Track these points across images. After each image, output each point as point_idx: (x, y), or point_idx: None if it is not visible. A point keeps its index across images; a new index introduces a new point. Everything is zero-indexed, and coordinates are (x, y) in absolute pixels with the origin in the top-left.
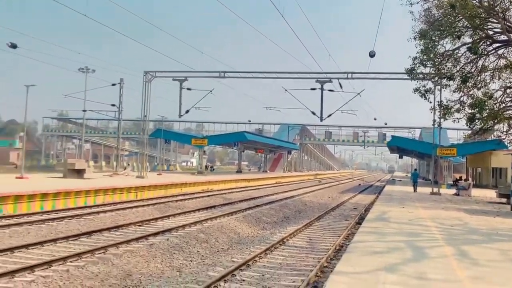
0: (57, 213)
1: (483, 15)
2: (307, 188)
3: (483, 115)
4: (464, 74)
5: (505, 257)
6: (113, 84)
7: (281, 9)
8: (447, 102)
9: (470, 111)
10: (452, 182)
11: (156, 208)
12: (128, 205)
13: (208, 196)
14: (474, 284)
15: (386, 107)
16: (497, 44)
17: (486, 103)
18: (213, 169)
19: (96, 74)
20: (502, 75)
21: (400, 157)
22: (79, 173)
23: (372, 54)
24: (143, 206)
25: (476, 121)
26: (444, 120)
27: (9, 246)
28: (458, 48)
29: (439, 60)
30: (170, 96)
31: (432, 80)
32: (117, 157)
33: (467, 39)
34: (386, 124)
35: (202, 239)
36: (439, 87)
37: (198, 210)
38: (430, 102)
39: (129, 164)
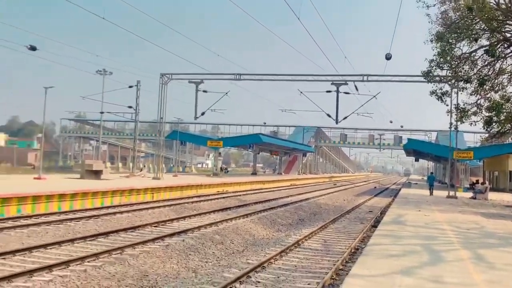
0: (74, 214)
1: (501, 18)
2: (322, 191)
3: (501, 118)
4: (481, 77)
5: None
6: (130, 86)
7: (296, 11)
8: (464, 105)
9: (487, 114)
10: (468, 186)
11: (172, 209)
12: (144, 206)
13: (223, 198)
14: None
15: (402, 110)
16: None
17: (504, 106)
18: (227, 171)
19: (113, 76)
20: None
21: (416, 160)
22: (96, 174)
23: (388, 57)
24: (159, 207)
25: (493, 124)
26: (460, 123)
27: (28, 246)
28: (475, 50)
29: (456, 62)
30: (186, 98)
31: (449, 82)
32: (133, 159)
33: (484, 41)
34: (402, 127)
35: (217, 241)
36: (455, 89)
37: (214, 211)
38: (447, 105)
39: (145, 166)
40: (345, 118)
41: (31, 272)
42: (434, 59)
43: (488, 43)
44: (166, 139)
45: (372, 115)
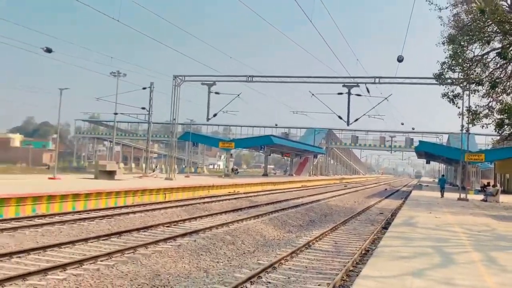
0: (88, 213)
1: None
2: (332, 192)
3: None
4: (493, 80)
5: None
6: (144, 88)
7: (309, 14)
8: (475, 107)
9: (499, 116)
10: (480, 188)
11: (184, 209)
12: (156, 206)
13: (235, 198)
14: None
15: (414, 112)
16: None
17: None
18: (238, 172)
19: (127, 78)
20: None
21: (428, 162)
22: (110, 174)
23: (400, 59)
24: (171, 207)
25: (505, 126)
26: (472, 126)
27: (42, 245)
28: (487, 53)
29: (468, 65)
30: (199, 100)
31: (461, 85)
32: (146, 159)
33: (496, 44)
34: (413, 129)
35: (228, 241)
36: (467, 92)
37: (225, 212)
38: (459, 107)
39: (157, 166)
40: (357, 120)
41: (45, 270)
42: (446, 61)
43: (500, 45)
44: (179, 140)
45: (383, 117)
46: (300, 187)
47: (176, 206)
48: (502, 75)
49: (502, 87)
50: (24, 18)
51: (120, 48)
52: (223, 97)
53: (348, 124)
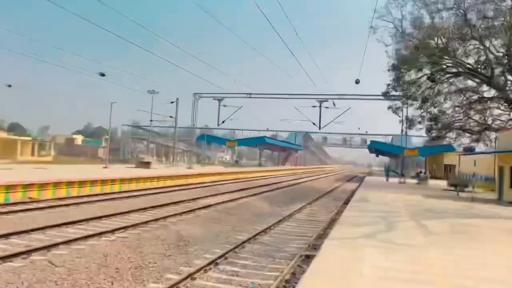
0: (131, 192)
1: (439, 54)
2: (308, 178)
3: (438, 126)
4: (424, 96)
5: (453, 229)
6: (171, 102)
7: (292, 49)
8: (411, 116)
9: (428, 123)
10: (414, 174)
11: (201, 190)
12: (180, 188)
13: (237, 182)
14: (429, 247)
15: (367, 119)
16: (449, 75)
17: (440, 118)
18: (238, 162)
19: (159, 95)
20: (452, 98)
21: (377, 156)
22: (146, 164)
23: (357, 82)
24: (190, 188)
25: (433, 130)
26: (409, 130)
27: (98, 215)
28: (420, 77)
29: (406, 86)
30: (212, 110)
31: (401, 100)
32: (173, 154)
33: (426, 71)
34: (366, 132)
35: (233, 213)
36: (406, 105)
37: (230, 192)
38: (399, 117)
39: (180, 159)
40: (326, 125)
41: (100, 233)
42: (391, 83)
43: (429, 72)
44: (197, 140)
45: (345, 123)
46: (285, 174)
47: (195, 188)
48: (431, 93)
49: (431, 102)
50: (88, 50)
51: (154, 72)
52: (230, 109)
53: (319, 128)
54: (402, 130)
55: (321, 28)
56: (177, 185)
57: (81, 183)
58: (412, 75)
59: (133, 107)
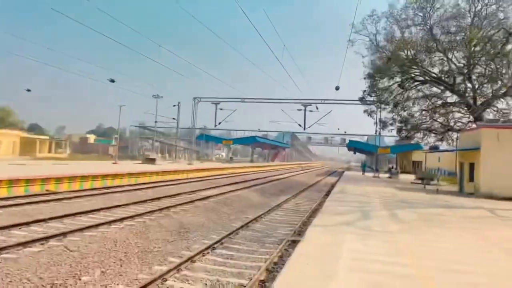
0: (138, 185)
1: (408, 64)
2: (294, 173)
3: (408, 128)
4: (395, 101)
5: (420, 217)
6: (174, 105)
7: (279, 57)
8: (384, 119)
9: (399, 125)
10: (387, 170)
11: (200, 183)
12: (182, 181)
13: (232, 176)
14: (400, 233)
15: (346, 121)
16: (417, 82)
17: (409, 120)
18: (232, 159)
19: (163, 99)
20: (420, 102)
21: (354, 153)
22: (152, 160)
23: (337, 88)
24: (190, 182)
25: (403, 131)
26: (382, 130)
27: (108, 206)
28: (392, 84)
29: (380, 92)
30: (209, 112)
31: (375, 105)
32: (175, 152)
33: (397, 79)
34: (345, 132)
35: (228, 203)
36: (379, 109)
37: (226, 185)
38: (374, 119)
39: (181, 156)
40: (310, 126)
41: (110, 222)
42: (366, 89)
43: (400, 80)
44: (197, 139)
45: (327, 124)
46: (274, 169)
47: (195, 181)
48: (401, 99)
49: (401, 106)
50: (99, 57)
51: (157, 79)
52: (225, 112)
53: (304, 129)
54: (376, 131)
55: (307, 41)
56: (179, 179)
57: (94, 177)
58: (385, 82)
59: (140, 109)
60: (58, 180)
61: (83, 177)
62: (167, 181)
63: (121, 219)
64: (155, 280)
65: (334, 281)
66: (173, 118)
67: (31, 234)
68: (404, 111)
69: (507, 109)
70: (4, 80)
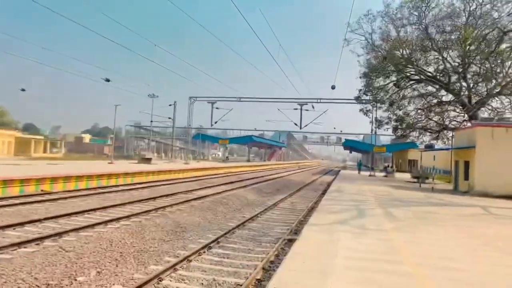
0: (134, 185)
1: (404, 63)
2: (291, 172)
3: (403, 126)
4: (391, 100)
5: (415, 215)
6: (170, 105)
7: (275, 57)
8: (380, 118)
9: (394, 123)
10: (383, 168)
11: (196, 182)
12: (178, 181)
13: (228, 176)
14: (395, 231)
15: (342, 120)
16: (412, 81)
17: (405, 119)
18: (228, 158)
19: (159, 98)
20: (415, 101)
21: (350, 152)
22: (148, 160)
23: (333, 87)
24: (187, 181)
25: (398, 130)
26: (378, 129)
27: (103, 205)
28: (387, 83)
29: (375, 91)
30: (206, 112)
31: (371, 103)
32: (171, 151)
33: (393, 78)
34: (341, 131)
35: (224, 203)
36: (375, 108)
37: (222, 184)
38: (369, 118)
39: (177, 155)
40: (306, 125)
41: (106, 222)
42: (362, 89)
43: (395, 79)
44: (193, 138)
45: (323, 123)
46: (270, 168)
47: (191, 181)
48: (396, 98)
49: (396, 105)
50: (95, 59)
51: (153, 79)
52: (221, 111)
53: (300, 128)
54: (372, 130)
55: (305, 41)
56: (175, 178)
57: (89, 177)
58: (380, 81)
59: (136, 109)
60: (53, 180)
61: (78, 177)
62: (163, 180)
63: (117, 219)
64: (151, 280)
65: (330, 279)
66: (169, 118)
67: (25, 234)
68: (400, 110)
69: (502, 108)
70: None
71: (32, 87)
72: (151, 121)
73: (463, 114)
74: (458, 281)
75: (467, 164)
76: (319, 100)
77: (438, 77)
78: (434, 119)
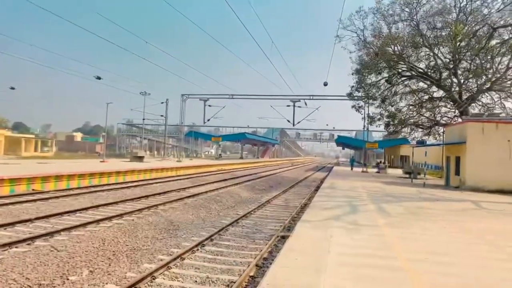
0: (126, 184)
1: (395, 59)
2: (284, 168)
3: (395, 123)
4: (383, 97)
5: (407, 211)
6: (162, 102)
7: (268, 54)
8: (372, 114)
9: (386, 120)
10: (375, 164)
11: (189, 180)
12: (171, 179)
13: (221, 173)
14: (387, 227)
15: (334, 117)
16: (404, 78)
17: (397, 115)
18: (221, 156)
19: (151, 96)
20: (407, 97)
21: (343, 148)
22: (140, 158)
23: (325, 84)
24: (180, 179)
25: (390, 126)
26: (370, 125)
27: (96, 204)
28: (379, 80)
29: (367, 87)
30: (198, 109)
31: (363, 100)
32: (164, 149)
33: (385, 74)
34: (334, 127)
35: (218, 200)
36: (367, 104)
37: (215, 182)
38: (362, 114)
39: (170, 153)
40: (299, 122)
41: (98, 221)
42: (354, 85)
43: (387, 75)
44: (185, 136)
45: (315, 120)
46: (263, 165)
47: (184, 179)
48: (388, 94)
49: (388, 101)
50: (85, 56)
51: (145, 77)
52: (214, 108)
53: (293, 125)
54: (364, 126)
55: (296, 38)
56: (167, 176)
57: (81, 176)
58: (372, 78)
59: (128, 107)
60: (44, 179)
61: (70, 176)
62: (156, 178)
63: (109, 218)
64: (144, 278)
65: (323, 275)
66: (161, 115)
67: (17, 234)
68: (392, 106)
69: (492, 104)
70: None
71: (22, 85)
72: (143, 119)
73: (454, 110)
74: (451, 275)
75: (458, 160)
76: (311, 97)
77: (429, 73)
78: (425, 115)
